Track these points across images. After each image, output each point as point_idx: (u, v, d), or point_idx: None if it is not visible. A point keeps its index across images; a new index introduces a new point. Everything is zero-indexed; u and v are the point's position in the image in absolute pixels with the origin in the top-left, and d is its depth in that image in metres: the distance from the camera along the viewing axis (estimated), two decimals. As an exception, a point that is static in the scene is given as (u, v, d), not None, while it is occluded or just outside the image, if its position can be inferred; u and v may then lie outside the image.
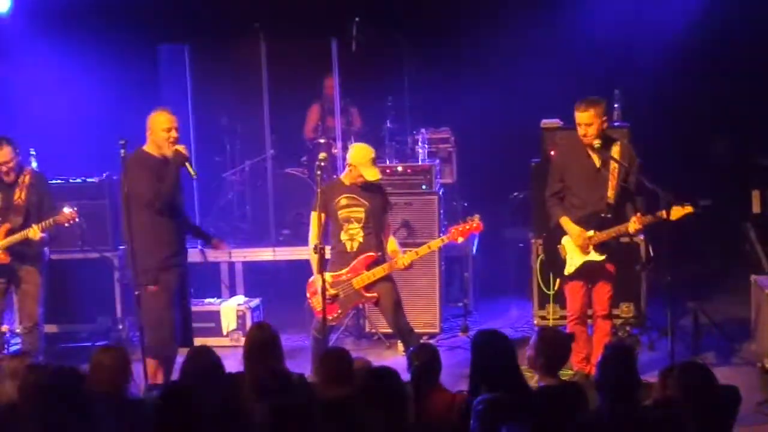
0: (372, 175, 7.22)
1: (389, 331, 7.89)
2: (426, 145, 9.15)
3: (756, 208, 9.42)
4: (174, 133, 6.91)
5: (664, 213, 6.80)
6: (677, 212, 6.79)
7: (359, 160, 7.23)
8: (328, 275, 7.10)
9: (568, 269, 7.22)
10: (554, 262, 7.37)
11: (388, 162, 9.11)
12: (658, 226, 7.10)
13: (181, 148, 6.90)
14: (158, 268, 6.87)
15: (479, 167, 9.94)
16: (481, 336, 5.50)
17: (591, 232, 7.10)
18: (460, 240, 7.43)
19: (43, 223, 7.46)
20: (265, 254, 9.35)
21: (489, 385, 5.02)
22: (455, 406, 5.18)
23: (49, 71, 9.79)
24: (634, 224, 6.99)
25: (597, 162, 7.14)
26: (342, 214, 7.25)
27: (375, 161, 7.30)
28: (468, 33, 10.06)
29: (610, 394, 4.89)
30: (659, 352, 7.86)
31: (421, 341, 6.94)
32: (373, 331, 8.64)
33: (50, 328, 8.39)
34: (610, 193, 7.09)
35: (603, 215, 7.11)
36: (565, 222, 7.18)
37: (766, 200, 9.36)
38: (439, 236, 7.93)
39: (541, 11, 9.51)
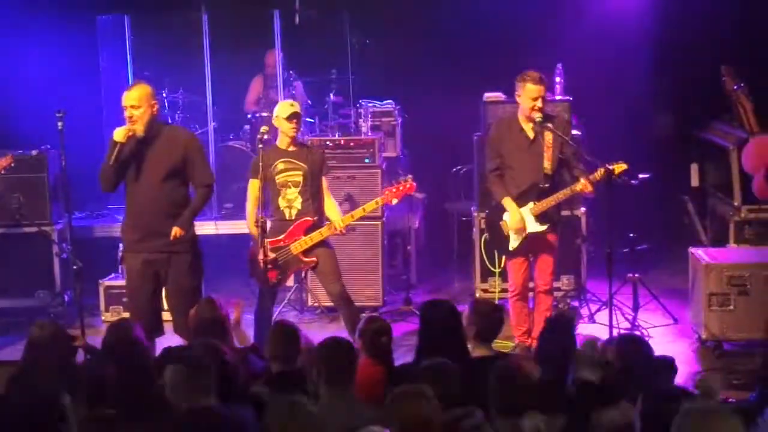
0: (288, 129, 7.18)
1: (332, 304, 7.88)
2: (369, 119, 9.12)
3: (695, 182, 9.54)
4: (125, 112, 6.66)
5: (602, 171, 6.88)
6: (618, 168, 6.88)
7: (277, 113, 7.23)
8: (266, 242, 7.09)
9: (512, 244, 7.26)
10: (498, 238, 7.40)
11: (331, 135, 9.06)
12: (598, 200, 7.17)
13: (118, 131, 6.63)
14: (124, 251, 6.89)
15: (423, 141, 9.93)
16: (429, 305, 5.67)
17: (531, 204, 7.15)
18: (395, 201, 7.46)
19: None
20: (207, 228, 9.27)
21: (433, 353, 5.04)
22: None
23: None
24: (582, 184, 6.99)
25: (530, 134, 7.18)
26: (279, 179, 7.21)
27: (293, 117, 7.21)
28: (412, 6, 10.03)
29: (550, 366, 4.95)
30: (599, 324, 7.94)
31: (370, 314, 6.89)
32: (316, 304, 8.63)
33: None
34: (547, 164, 7.14)
35: (541, 186, 7.16)
36: (507, 203, 7.20)
37: (705, 174, 9.48)
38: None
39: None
